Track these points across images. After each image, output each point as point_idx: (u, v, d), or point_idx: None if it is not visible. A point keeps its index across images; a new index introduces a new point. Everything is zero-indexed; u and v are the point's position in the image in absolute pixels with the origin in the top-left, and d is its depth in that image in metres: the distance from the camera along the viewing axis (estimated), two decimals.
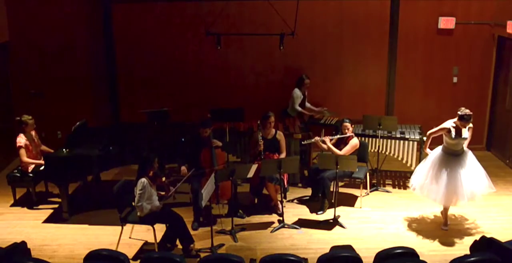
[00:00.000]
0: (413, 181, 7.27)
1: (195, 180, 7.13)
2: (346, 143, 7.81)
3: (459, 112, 6.81)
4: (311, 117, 9.35)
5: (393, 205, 7.99)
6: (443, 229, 7.19)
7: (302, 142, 8.14)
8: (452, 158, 6.93)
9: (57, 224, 7.44)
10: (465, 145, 7.03)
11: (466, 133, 6.87)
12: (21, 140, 7.78)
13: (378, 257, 5.15)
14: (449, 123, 6.92)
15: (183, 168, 7.36)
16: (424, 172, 7.14)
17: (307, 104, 9.41)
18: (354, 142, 7.79)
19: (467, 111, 6.80)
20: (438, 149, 7.10)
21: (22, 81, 9.86)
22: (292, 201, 8.03)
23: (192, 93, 10.00)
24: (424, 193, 7.13)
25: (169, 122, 8.77)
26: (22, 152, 7.75)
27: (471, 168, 6.93)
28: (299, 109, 9.22)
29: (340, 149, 7.77)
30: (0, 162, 9.39)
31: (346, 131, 7.75)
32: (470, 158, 6.99)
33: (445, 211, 7.23)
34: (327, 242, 6.80)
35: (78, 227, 7.33)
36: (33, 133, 8.01)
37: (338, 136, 7.85)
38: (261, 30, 9.06)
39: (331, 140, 7.85)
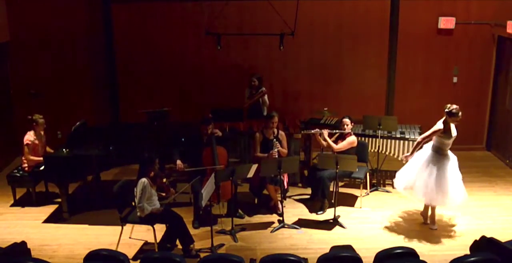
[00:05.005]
0: (398, 179, 7.22)
1: (197, 180, 7.11)
2: (344, 139, 7.83)
3: (447, 110, 6.73)
4: (311, 118, 9.32)
5: (393, 205, 7.99)
6: (432, 228, 7.19)
7: (302, 132, 8.20)
8: (442, 158, 6.91)
9: (57, 224, 7.44)
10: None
11: (455, 130, 6.84)
12: (30, 137, 7.83)
13: (378, 257, 5.15)
14: (441, 124, 6.85)
15: (179, 162, 7.34)
16: (412, 171, 7.09)
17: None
18: (352, 139, 7.81)
19: (454, 106, 6.73)
20: (427, 149, 7.05)
21: (22, 81, 9.86)
22: (290, 197, 8.08)
23: (192, 93, 10.00)
24: (410, 191, 7.12)
25: (169, 122, 8.78)
26: (27, 149, 7.79)
27: (455, 171, 6.91)
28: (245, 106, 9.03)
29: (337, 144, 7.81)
30: (0, 162, 9.38)
31: (345, 127, 7.76)
32: (455, 161, 6.96)
33: (432, 210, 7.22)
34: (327, 242, 6.80)
35: (78, 227, 7.33)
36: (42, 133, 8.03)
37: (336, 131, 7.89)
38: (261, 30, 9.06)
39: (330, 135, 7.89)
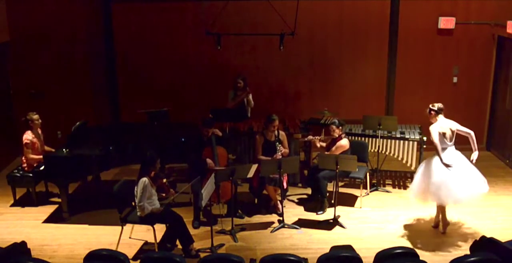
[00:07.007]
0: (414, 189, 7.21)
1: (196, 180, 7.11)
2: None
3: None
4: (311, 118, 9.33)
5: (393, 205, 7.99)
6: (441, 231, 7.17)
7: (300, 140, 8.30)
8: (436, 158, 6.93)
9: (57, 224, 7.44)
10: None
11: None
12: (28, 137, 7.82)
13: (378, 257, 5.15)
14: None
15: (209, 160, 7.25)
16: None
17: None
18: (340, 143, 7.73)
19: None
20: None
21: (22, 81, 9.86)
22: (289, 196, 8.10)
23: (192, 93, 10.00)
24: (415, 194, 7.12)
25: (169, 122, 8.77)
26: (26, 148, 7.79)
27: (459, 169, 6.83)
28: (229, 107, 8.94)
29: (329, 149, 7.84)
30: (0, 162, 9.38)
31: (332, 133, 7.75)
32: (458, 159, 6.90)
33: (436, 212, 7.21)
34: (327, 242, 6.80)
35: (78, 227, 7.33)
36: (39, 131, 8.03)
37: (325, 137, 7.93)
38: (261, 30, 9.06)
39: (323, 140, 7.94)
